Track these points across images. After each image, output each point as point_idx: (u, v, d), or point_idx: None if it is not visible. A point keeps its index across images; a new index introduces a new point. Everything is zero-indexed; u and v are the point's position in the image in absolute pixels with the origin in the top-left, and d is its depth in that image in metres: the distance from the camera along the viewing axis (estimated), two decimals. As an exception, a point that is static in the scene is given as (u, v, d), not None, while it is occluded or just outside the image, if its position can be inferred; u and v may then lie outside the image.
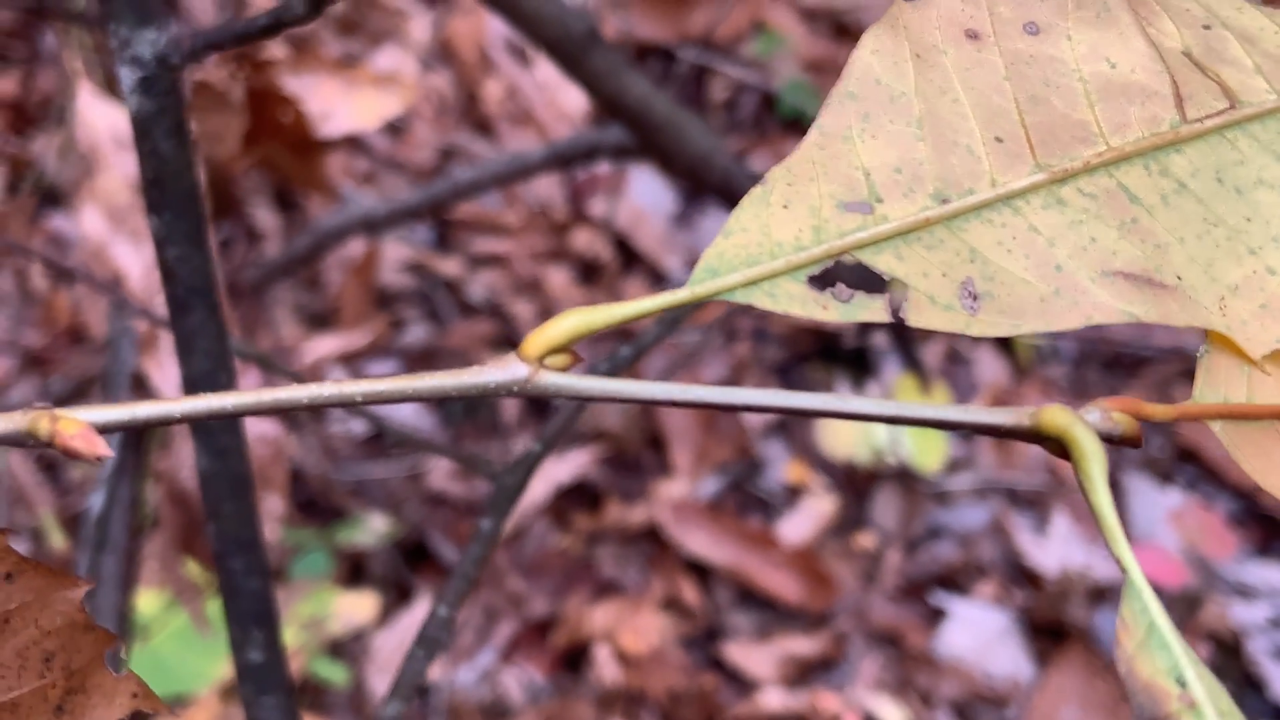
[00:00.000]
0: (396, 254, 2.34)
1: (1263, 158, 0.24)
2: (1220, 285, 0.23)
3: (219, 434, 0.53)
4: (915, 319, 0.22)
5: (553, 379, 0.22)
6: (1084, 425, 0.21)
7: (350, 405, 0.21)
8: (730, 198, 0.88)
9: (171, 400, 0.21)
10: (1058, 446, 0.21)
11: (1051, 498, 2.00)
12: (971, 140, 0.24)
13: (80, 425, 0.21)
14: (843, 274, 0.22)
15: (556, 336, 0.22)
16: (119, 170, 1.17)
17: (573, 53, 0.78)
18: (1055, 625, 1.85)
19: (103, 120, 1.18)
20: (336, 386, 0.21)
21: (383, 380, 0.21)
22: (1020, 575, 1.94)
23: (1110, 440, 0.21)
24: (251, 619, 0.53)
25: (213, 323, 0.52)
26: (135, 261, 1.17)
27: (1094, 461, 0.21)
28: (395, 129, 2.53)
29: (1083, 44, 0.25)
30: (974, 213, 0.23)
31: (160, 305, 1.16)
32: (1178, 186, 0.24)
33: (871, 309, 0.23)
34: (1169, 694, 0.17)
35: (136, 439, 1.26)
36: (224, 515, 0.53)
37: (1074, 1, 0.26)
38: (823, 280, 0.23)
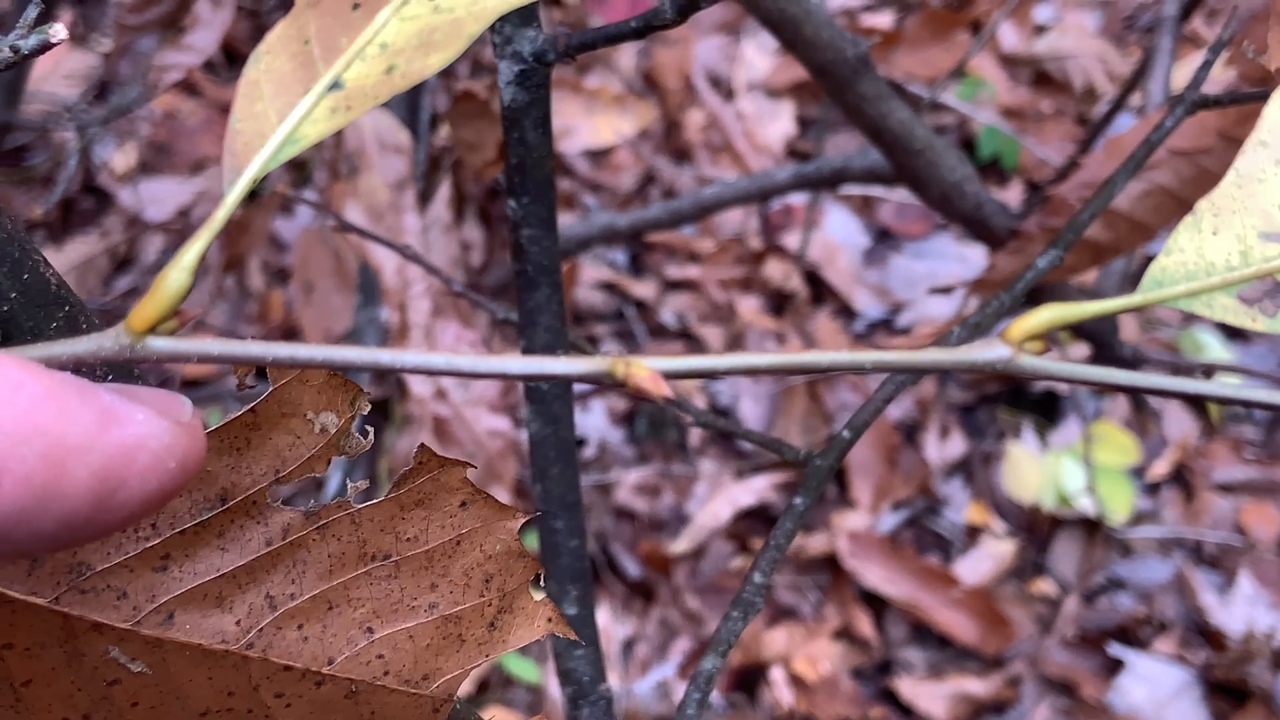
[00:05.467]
0: (593, 274, 2.42)
1: None
2: None
3: (552, 402, 0.58)
4: (1332, 335, 0.27)
5: (1030, 360, 0.26)
6: None
7: (860, 371, 0.26)
8: (978, 226, 0.92)
9: (716, 355, 0.26)
10: None
11: (1238, 556, 1.98)
12: (1370, 189, 0.28)
13: (649, 370, 0.26)
14: (1268, 293, 0.27)
15: (1035, 325, 0.26)
16: (381, 171, 1.26)
17: (844, 76, 0.82)
18: (1237, 686, 1.83)
19: (370, 124, 1.27)
20: (850, 354, 0.26)
21: (888, 352, 0.26)
22: (1201, 633, 1.92)
23: None
24: (569, 576, 0.59)
25: (555, 300, 0.57)
26: (390, 256, 1.26)
27: None
28: (597, 152, 2.62)
29: None
30: (1380, 251, 0.28)
31: (411, 299, 1.24)
32: None
33: (1294, 325, 0.27)
34: None
35: (375, 426, 1.35)
36: (551, 477, 0.58)
37: None
38: (1251, 297, 0.27)
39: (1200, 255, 0.27)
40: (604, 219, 1.27)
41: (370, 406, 0.35)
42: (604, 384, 0.27)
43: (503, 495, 1.25)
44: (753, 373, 0.26)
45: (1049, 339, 0.26)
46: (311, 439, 0.36)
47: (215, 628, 0.37)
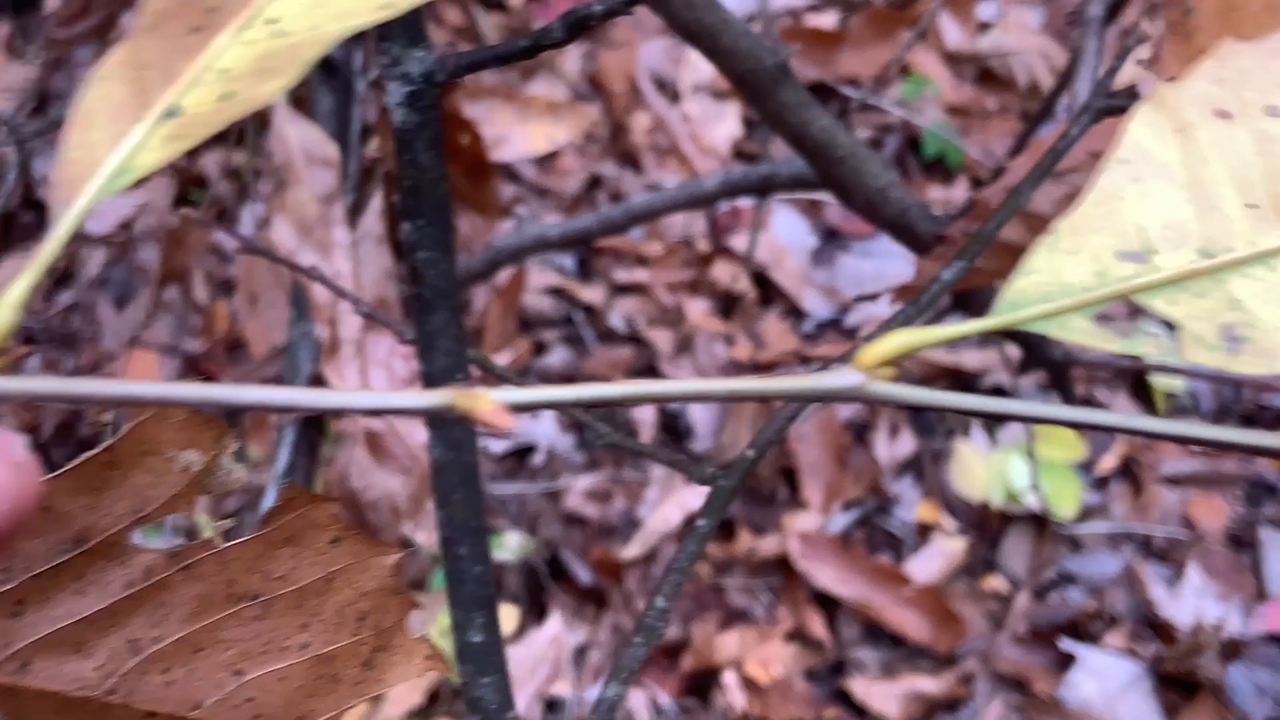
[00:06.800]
0: (540, 279, 2.41)
1: None
2: None
3: (455, 428, 0.57)
4: (1186, 356, 0.26)
5: (883, 387, 0.26)
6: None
7: (714, 399, 0.25)
8: (903, 232, 0.92)
9: (568, 386, 0.26)
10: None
11: (1186, 549, 1.99)
12: (1228, 205, 0.28)
13: (493, 403, 0.25)
14: (1125, 313, 0.27)
15: (888, 351, 0.26)
16: (309, 185, 1.24)
17: (764, 85, 0.82)
18: (1186, 678, 1.84)
19: (296, 137, 1.25)
20: (699, 383, 0.25)
21: (740, 380, 0.25)
22: (1151, 626, 1.93)
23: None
24: (474, 602, 0.58)
25: (454, 324, 0.57)
26: (320, 270, 1.24)
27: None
28: (543, 157, 2.61)
29: (1318, 128, 0.30)
30: (1234, 268, 0.27)
31: (342, 314, 1.22)
32: None
33: (1147, 344, 0.27)
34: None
35: (309, 441, 1.33)
36: (453, 503, 0.57)
37: (1312, 90, 0.30)
38: (1106, 317, 0.27)
39: (1057, 276, 0.27)
40: (535, 230, 1.26)
41: (237, 445, 0.34)
42: (447, 417, 0.26)
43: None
44: (601, 404, 0.25)
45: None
46: (173, 478, 0.35)
47: (74, 674, 0.36)
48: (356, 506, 1.28)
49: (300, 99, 1.47)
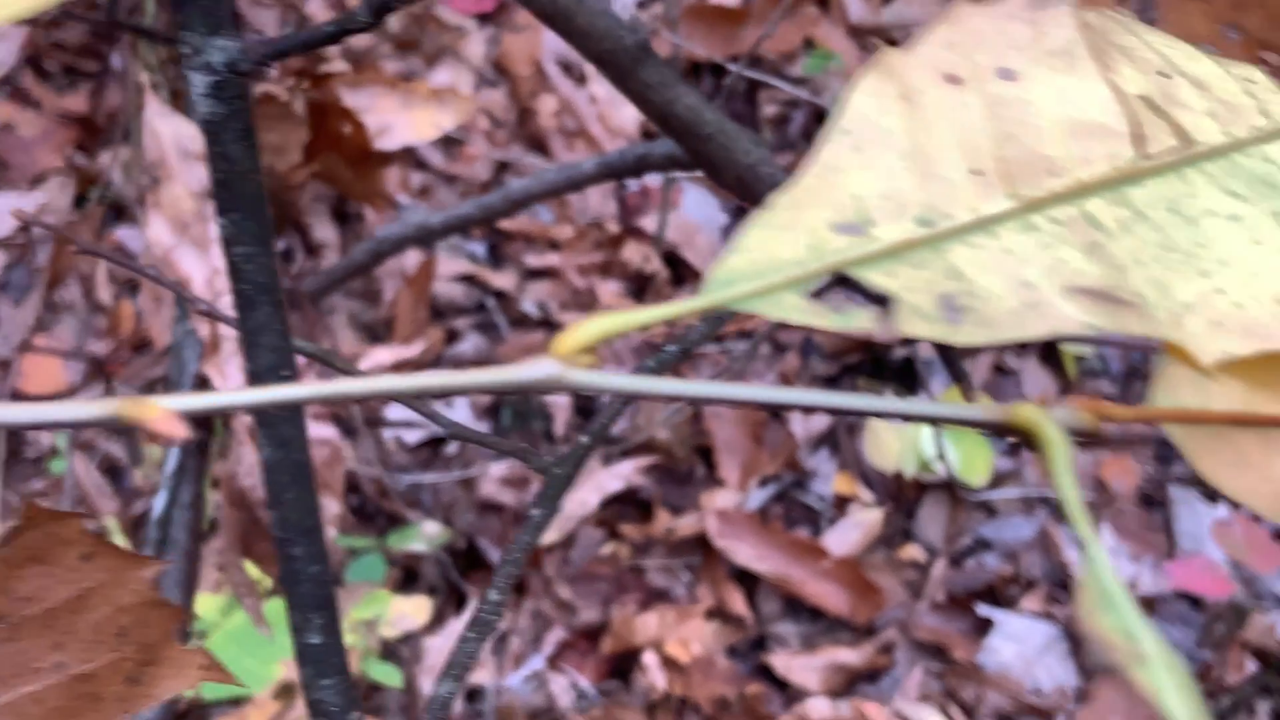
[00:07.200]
0: (450, 267, 2.39)
1: (1211, 191, 0.28)
2: (1175, 303, 0.26)
3: (282, 425, 0.56)
4: (904, 329, 0.25)
5: (581, 375, 0.24)
6: (1051, 420, 0.24)
7: (402, 398, 0.24)
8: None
9: (239, 390, 0.24)
10: (1029, 439, 0.24)
11: (1099, 510, 2.01)
12: (952, 172, 0.27)
13: (161, 410, 0.24)
14: (839, 288, 0.25)
15: (585, 337, 0.24)
16: (184, 181, 1.22)
17: (624, 65, 0.80)
18: (1101, 638, 1.86)
19: (169, 133, 1.23)
20: (392, 380, 0.24)
21: (434, 374, 0.24)
22: (1066, 588, 1.94)
23: (1075, 434, 0.24)
24: (311, 604, 0.56)
25: (277, 319, 0.55)
26: (199, 268, 1.22)
27: (1059, 450, 0.24)
28: (451, 144, 2.58)
29: (1052, 88, 0.29)
30: (954, 236, 0.26)
31: (223, 309, 1.20)
32: (1136, 215, 0.27)
33: (862, 319, 0.26)
34: (1118, 646, 0.20)
35: (199, 442, 1.30)
36: (286, 503, 0.56)
37: (1045, 51, 0.29)
38: (820, 293, 0.26)
39: (770, 252, 0.25)
40: (417, 218, 1.24)
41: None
42: (114, 427, 0.24)
43: (333, 505, 1.22)
44: (281, 405, 0.24)
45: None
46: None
47: None
48: (247, 505, 1.25)
49: (176, 93, 1.44)
